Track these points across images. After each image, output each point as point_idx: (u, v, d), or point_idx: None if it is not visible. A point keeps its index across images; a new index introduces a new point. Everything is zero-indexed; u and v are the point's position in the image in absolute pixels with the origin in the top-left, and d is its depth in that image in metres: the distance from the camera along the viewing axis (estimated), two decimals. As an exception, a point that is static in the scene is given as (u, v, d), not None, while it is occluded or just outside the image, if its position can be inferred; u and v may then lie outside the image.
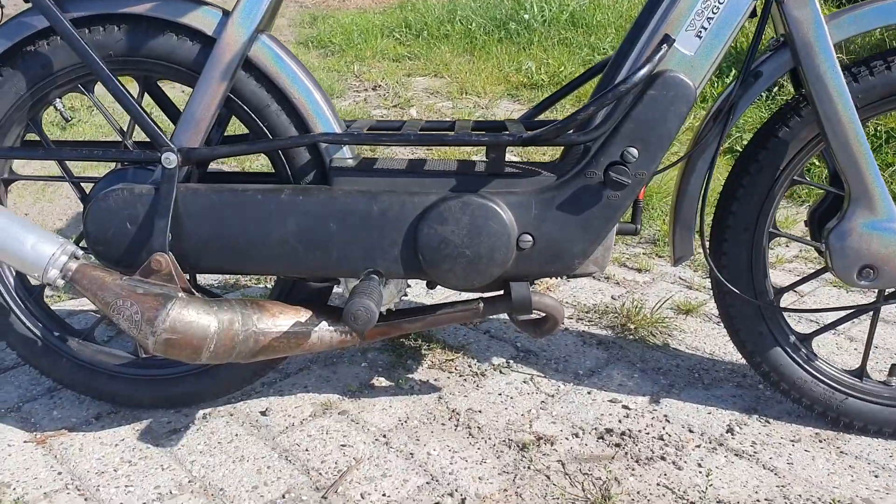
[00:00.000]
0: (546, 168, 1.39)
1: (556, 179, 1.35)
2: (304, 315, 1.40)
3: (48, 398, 1.60)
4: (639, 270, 2.22)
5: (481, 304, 1.44)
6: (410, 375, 1.68)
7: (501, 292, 1.45)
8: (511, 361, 1.74)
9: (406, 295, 1.48)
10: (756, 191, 1.45)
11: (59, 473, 1.37)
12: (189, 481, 1.36)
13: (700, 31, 1.30)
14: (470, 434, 1.48)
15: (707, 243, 1.47)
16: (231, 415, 1.55)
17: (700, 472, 1.38)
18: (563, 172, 1.35)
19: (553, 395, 1.61)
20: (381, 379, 1.67)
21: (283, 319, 1.38)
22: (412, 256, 1.35)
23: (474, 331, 1.87)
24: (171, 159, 1.34)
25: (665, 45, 1.28)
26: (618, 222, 1.43)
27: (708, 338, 1.84)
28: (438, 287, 1.62)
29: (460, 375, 1.68)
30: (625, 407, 1.57)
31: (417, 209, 1.34)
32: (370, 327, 1.25)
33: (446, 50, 5.24)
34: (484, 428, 1.50)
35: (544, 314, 1.45)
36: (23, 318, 1.51)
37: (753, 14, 1.36)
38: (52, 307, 1.67)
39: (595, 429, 1.50)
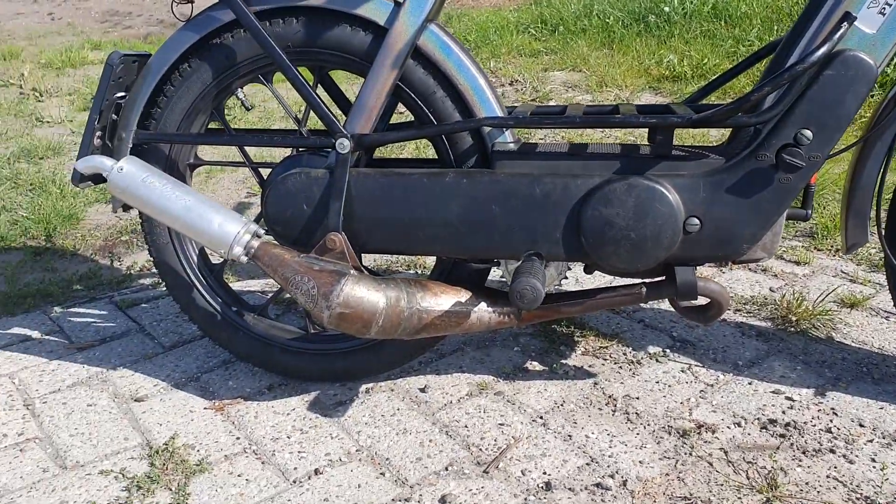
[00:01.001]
0: (714, 151, 1.37)
1: (725, 162, 1.33)
2: (464, 295, 1.44)
3: (223, 369, 1.71)
4: (797, 263, 2.14)
5: (644, 289, 1.44)
6: (564, 361, 1.69)
7: (664, 277, 1.44)
8: (667, 350, 1.72)
9: (566, 278, 1.49)
10: (939, 175, 1.38)
11: (238, 438, 1.47)
12: (357, 450, 1.42)
13: (884, 8, 1.24)
14: (628, 419, 1.48)
15: (884, 230, 1.40)
16: (392, 390, 1.61)
17: (874, 467, 1.32)
18: (732, 155, 1.33)
19: (712, 385, 1.58)
20: (535, 363, 1.69)
21: (444, 298, 1.43)
22: (574, 239, 1.37)
23: (627, 319, 1.86)
24: (344, 145, 1.41)
25: (845, 22, 1.24)
26: (788, 207, 1.40)
27: (877, 332, 1.76)
28: (595, 273, 1.63)
29: (615, 363, 1.68)
30: (788, 398, 1.53)
31: (581, 191, 1.35)
32: (536, 306, 1.27)
33: (583, 44, 5.19)
34: (642, 414, 1.50)
35: (709, 300, 1.43)
36: (205, 293, 1.62)
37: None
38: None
39: (758, 419, 1.47)
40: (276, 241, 1.44)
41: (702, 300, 1.44)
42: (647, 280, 1.47)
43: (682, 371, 1.64)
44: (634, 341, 1.76)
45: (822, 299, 1.86)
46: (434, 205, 1.40)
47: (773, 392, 1.55)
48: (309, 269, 1.38)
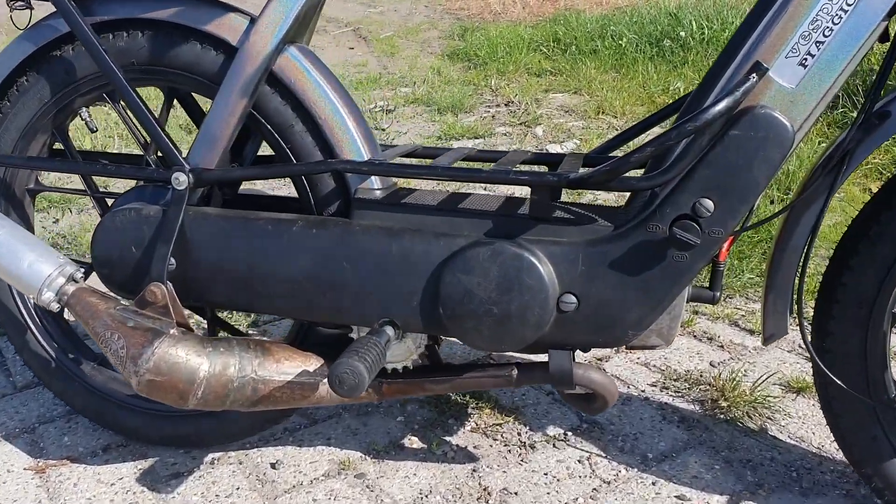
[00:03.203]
0: (607, 216, 1.15)
1: (612, 230, 1.11)
2: (313, 363, 1.23)
3: (65, 421, 1.52)
4: (751, 332, 1.90)
5: (515, 372, 1.22)
6: (448, 438, 1.47)
7: (543, 358, 1.22)
8: (570, 434, 1.49)
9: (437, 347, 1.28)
10: (877, 259, 1.14)
11: (44, 511, 1.28)
12: (171, 539, 1.22)
13: (805, 59, 1.02)
14: (497, 521, 1.26)
15: (804, 321, 1.17)
16: (240, 463, 1.40)
17: None
18: (622, 223, 1.11)
19: (609, 483, 1.36)
20: (414, 439, 1.47)
21: (288, 367, 1.22)
22: (433, 308, 1.15)
23: (535, 390, 1.64)
24: (180, 179, 1.21)
25: (755, 74, 1.01)
26: (688, 287, 1.17)
27: (819, 427, 1.52)
28: None
29: (505, 445, 1.46)
30: (694, 508, 1.30)
31: (443, 253, 1.14)
32: (359, 393, 1.06)
33: (592, 66, 4.97)
34: (515, 515, 1.28)
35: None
36: (38, 335, 1.43)
37: (884, 38, 1.07)
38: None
39: (650, 533, 1.24)
40: (94, 289, 1.25)
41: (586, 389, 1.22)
42: (522, 361, 1.25)
43: (580, 461, 1.41)
44: (535, 419, 1.53)
45: (763, 381, 1.62)
46: (278, 257, 1.20)
47: (677, 498, 1.32)
48: (121, 325, 1.18)
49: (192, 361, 1.16)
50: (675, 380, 1.67)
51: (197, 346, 1.17)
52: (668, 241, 1.07)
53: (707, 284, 1.22)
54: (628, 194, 1.19)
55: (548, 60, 5.30)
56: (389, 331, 1.17)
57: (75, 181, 2.83)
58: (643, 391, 1.63)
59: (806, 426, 1.52)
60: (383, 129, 3.91)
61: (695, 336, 1.87)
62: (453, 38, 6.47)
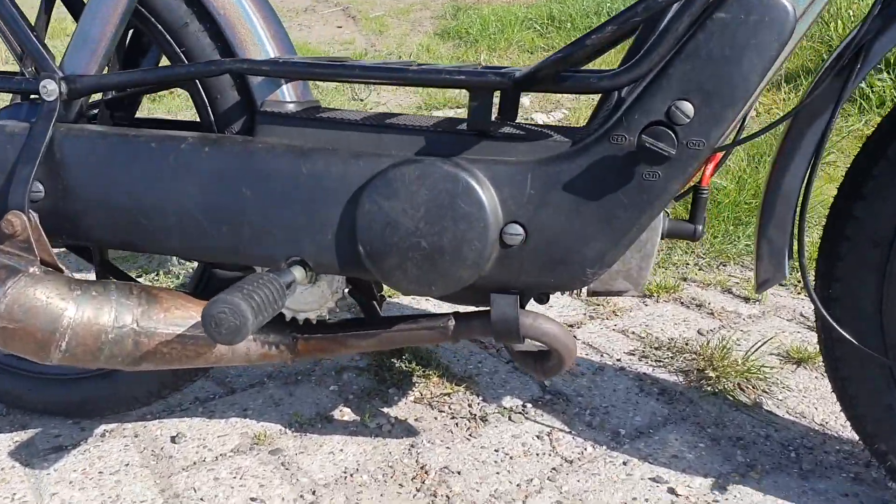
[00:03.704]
0: (566, 132, 0.93)
1: (570, 146, 0.90)
2: (212, 314, 1.01)
3: (-60, 387, 1.30)
4: (746, 300, 1.68)
5: (451, 322, 1.00)
6: (385, 410, 1.25)
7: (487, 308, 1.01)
8: (529, 406, 1.27)
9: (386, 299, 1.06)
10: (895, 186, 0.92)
11: None
12: (33, 523, 1.01)
13: (811, -83, 0.80)
14: (433, 505, 1.05)
15: (807, 263, 0.94)
16: (136, 436, 1.19)
17: None
18: (582, 137, 0.90)
19: (571, 462, 1.14)
20: (346, 410, 1.25)
21: (179, 317, 1.00)
22: (350, 244, 0.93)
23: (494, 357, 1.42)
24: (49, 88, 0.99)
25: (744, -65, 0.79)
26: (662, 218, 0.96)
27: (822, 402, 1.30)
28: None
29: (452, 417, 1.24)
30: (671, 492, 1.08)
31: (363, 176, 0.92)
32: (240, 339, 0.84)
33: (585, 43, 4.72)
34: (455, 499, 1.06)
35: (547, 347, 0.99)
36: None
37: None
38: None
39: (617, 521, 1.02)
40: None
41: (539, 346, 1.01)
42: (461, 309, 1.03)
43: (538, 437, 1.19)
44: (490, 389, 1.32)
45: (757, 348, 1.40)
46: (164, 182, 0.98)
47: (651, 480, 1.10)
48: (-31, 263, 0.96)
49: (53, 305, 0.94)
50: (656, 348, 1.45)
51: (61, 288, 0.95)
52: (637, 155, 0.85)
53: (688, 218, 1.00)
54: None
55: (541, 38, 5.09)
56: (297, 272, 0.95)
57: None
58: (619, 360, 1.41)
59: (807, 400, 1.30)
60: (361, 100, 3.69)
61: (681, 302, 1.65)
62: (445, 17, 6.25)
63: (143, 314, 0.99)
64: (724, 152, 1.00)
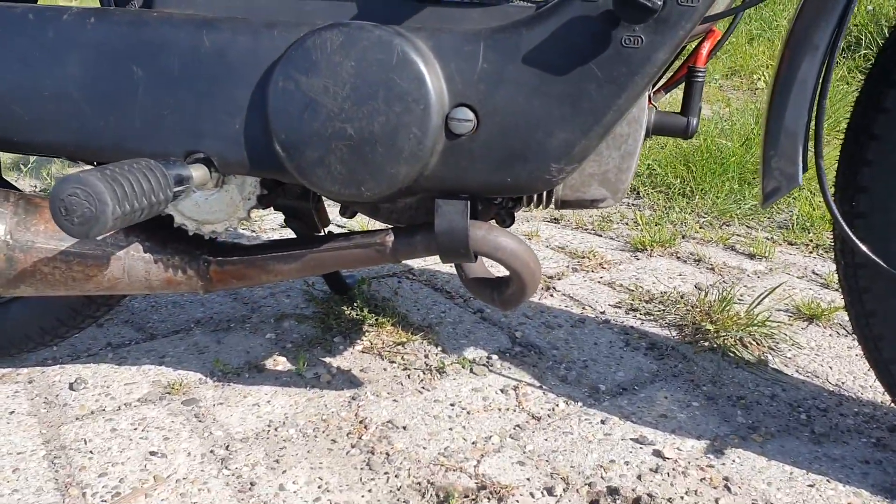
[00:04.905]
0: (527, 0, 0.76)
1: (533, 11, 0.72)
2: (104, 229, 0.84)
3: None
4: (751, 257, 1.49)
5: (390, 238, 0.82)
6: (327, 360, 1.07)
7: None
8: (494, 358, 1.09)
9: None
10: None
11: None
12: None
13: None
14: (368, 465, 0.86)
15: (822, 163, 0.76)
16: (30, 382, 1.01)
17: None
18: (548, 1, 0.72)
19: (539, 419, 0.96)
20: (282, 360, 1.07)
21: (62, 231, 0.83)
22: (262, 134, 0.76)
23: (460, 307, 1.24)
24: None
25: None
26: (646, 107, 0.78)
27: (839, 360, 1.12)
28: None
29: (405, 369, 1.06)
30: (657, 454, 0.90)
31: (277, 49, 0.74)
32: (96, 232, 0.66)
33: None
34: (395, 457, 0.88)
35: (504, 269, 0.81)
36: None
37: None
38: None
39: (590, 484, 0.84)
40: None
41: (496, 269, 0.83)
42: (401, 226, 0.85)
43: (503, 391, 1.01)
44: (451, 340, 1.14)
45: (761, 299, 1.21)
46: (42, 63, 0.80)
47: (634, 441, 0.92)
48: None
49: None
50: (646, 301, 1.27)
51: (-88, 189, 0.78)
52: (614, 15, 0.67)
53: (680, 110, 0.82)
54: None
55: None
56: (197, 170, 0.77)
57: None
58: (602, 313, 1.23)
59: (820, 359, 1.12)
60: None
61: (678, 257, 1.47)
62: None
63: (20, 224, 0.82)
64: (723, 28, 0.82)
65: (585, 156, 0.73)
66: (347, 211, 0.91)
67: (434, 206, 0.78)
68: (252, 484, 0.83)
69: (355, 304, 1.20)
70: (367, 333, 1.14)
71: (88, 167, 0.68)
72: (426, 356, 1.08)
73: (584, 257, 1.43)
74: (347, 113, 0.72)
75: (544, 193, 0.79)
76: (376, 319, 1.16)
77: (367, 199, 0.75)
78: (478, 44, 0.71)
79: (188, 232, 0.85)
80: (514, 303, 0.82)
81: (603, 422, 0.96)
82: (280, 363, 1.06)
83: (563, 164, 0.72)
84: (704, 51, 0.78)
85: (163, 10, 0.80)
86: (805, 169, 0.77)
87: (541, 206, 0.82)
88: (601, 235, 1.58)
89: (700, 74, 0.79)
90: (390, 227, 0.83)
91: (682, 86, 0.81)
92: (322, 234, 1.02)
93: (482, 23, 0.74)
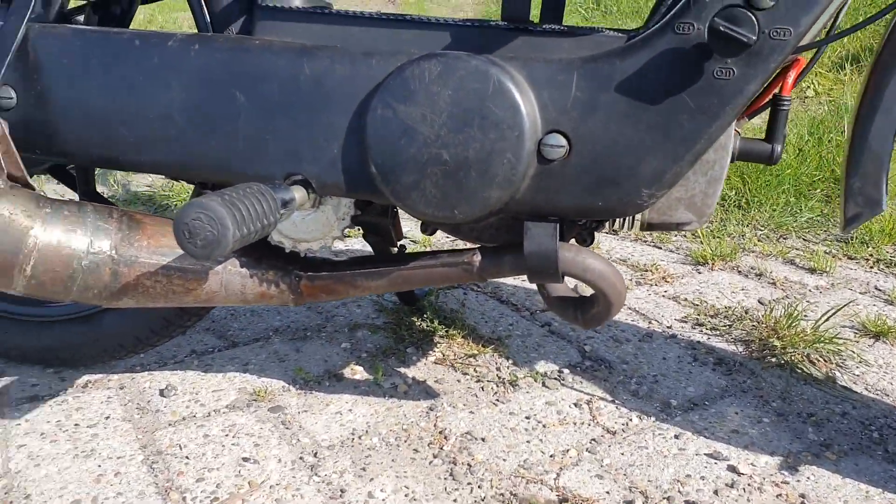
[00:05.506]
0: (619, 31, 0.78)
1: (625, 41, 0.75)
2: (203, 244, 0.88)
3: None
4: (811, 271, 1.50)
5: (477, 258, 0.85)
6: (402, 370, 1.11)
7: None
8: (566, 372, 1.12)
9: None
10: None
11: None
12: (-6, 476, 0.88)
13: None
14: (451, 475, 0.89)
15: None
16: (122, 388, 1.05)
17: None
18: (639, 32, 0.74)
19: (614, 433, 0.98)
20: (359, 369, 1.11)
21: (165, 246, 0.87)
22: (359, 159, 0.79)
23: (527, 320, 1.26)
24: (22, -21, 0.86)
25: None
26: (733, 131, 0.80)
27: (907, 378, 1.13)
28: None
29: (478, 381, 1.09)
30: (732, 469, 0.92)
31: (375, 77, 0.77)
32: (218, 253, 0.69)
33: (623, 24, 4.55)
34: (477, 468, 0.91)
35: (589, 289, 0.83)
36: None
37: None
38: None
39: (668, 499, 0.86)
40: None
41: (579, 288, 0.86)
42: (486, 246, 0.88)
43: (576, 405, 1.04)
44: (521, 353, 1.16)
45: (830, 316, 1.22)
46: (148, 87, 0.84)
47: (709, 456, 0.94)
48: (-75, 173, 0.84)
49: (18, 223, 0.81)
50: (711, 316, 1.29)
51: (28, 204, 0.82)
52: (708, 47, 0.69)
53: (764, 137, 0.84)
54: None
55: (587, 24, 4.93)
56: (298, 192, 0.80)
57: None
58: (669, 327, 1.25)
59: (889, 377, 1.13)
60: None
61: (739, 271, 1.48)
62: (487, 2, 6.12)
63: (124, 240, 0.86)
64: (809, 57, 0.84)
65: (675, 181, 0.75)
66: (429, 228, 0.95)
67: (517, 224, 0.81)
68: (342, 491, 0.86)
69: (425, 316, 1.23)
70: (438, 345, 1.17)
71: (209, 192, 0.71)
72: (498, 369, 1.11)
73: (646, 270, 1.45)
74: (444, 139, 0.75)
75: (630, 216, 0.82)
76: (446, 331, 1.19)
77: (458, 220, 0.78)
78: (571, 73, 0.74)
79: (284, 249, 0.89)
80: (597, 322, 0.85)
81: (676, 436, 0.98)
82: (357, 372, 1.10)
83: (653, 190, 0.75)
84: (790, 79, 0.80)
85: (263, 38, 0.83)
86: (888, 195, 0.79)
87: (626, 228, 0.85)
88: (661, 248, 1.60)
89: (785, 103, 0.81)
90: (477, 246, 0.86)
91: (767, 112, 0.83)
92: (396, 247, 1.06)
93: (573, 52, 0.76)
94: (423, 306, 1.26)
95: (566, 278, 0.88)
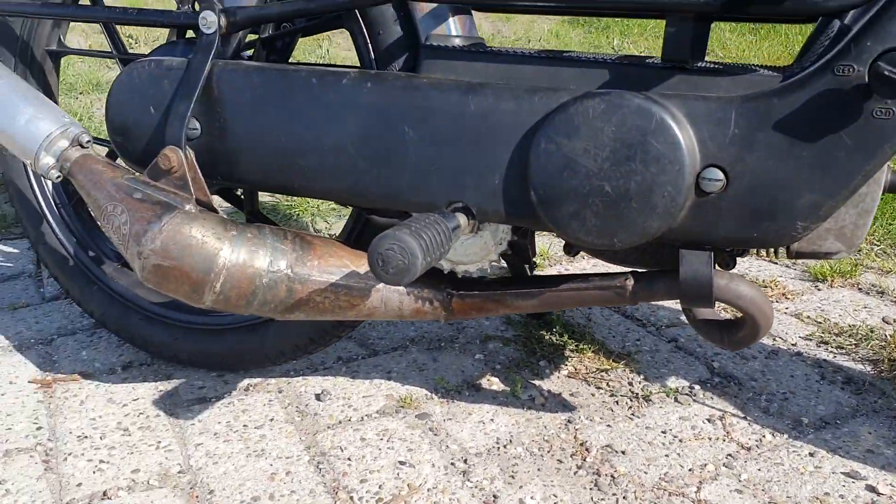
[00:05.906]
0: (771, 69, 0.82)
1: (780, 80, 0.78)
2: (366, 264, 0.95)
3: (88, 334, 1.29)
4: (934, 289, 1.50)
5: (630, 282, 0.90)
6: (537, 382, 1.16)
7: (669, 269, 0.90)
8: (697, 387, 1.16)
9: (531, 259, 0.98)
10: None
11: (39, 428, 1.05)
12: (179, 471, 0.96)
13: None
14: (596, 485, 0.95)
15: None
16: (280, 392, 1.14)
17: None
18: (796, 71, 0.78)
19: (750, 450, 1.02)
20: (495, 380, 1.17)
21: (333, 266, 0.95)
22: (521, 189, 0.85)
23: (654, 335, 1.30)
24: (208, 20, 0.95)
25: None
26: (887, 166, 0.83)
27: None
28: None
29: (612, 395, 1.13)
30: (871, 489, 0.94)
31: (538, 112, 0.83)
32: (407, 280, 0.76)
33: (727, 28, 4.51)
34: (621, 480, 0.96)
35: (738, 313, 0.87)
36: (55, 227, 1.21)
37: None
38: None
39: (809, 517, 0.90)
40: (103, 158, 1.01)
41: (728, 312, 0.89)
42: (639, 270, 0.93)
43: (709, 421, 1.08)
44: (651, 368, 1.20)
45: (960, 341, 1.23)
46: (323, 120, 0.92)
47: (846, 475, 0.97)
48: (126, 197, 0.93)
49: (209, 245, 0.90)
50: (836, 334, 1.30)
51: (217, 228, 0.91)
52: (868, 88, 0.73)
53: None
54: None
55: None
56: (461, 218, 0.87)
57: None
58: (794, 345, 1.28)
59: None
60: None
61: (859, 289, 1.49)
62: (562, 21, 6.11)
63: (298, 260, 0.94)
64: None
65: (829, 215, 0.78)
66: (573, 250, 1.00)
67: (663, 248, 0.86)
68: (495, 497, 0.92)
69: (554, 330, 1.28)
70: (569, 359, 1.22)
71: (398, 222, 0.78)
72: (630, 383, 1.16)
73: (766, 287, 1.47)
74: (606, 172, 0.80)
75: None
76: (576, 345, 1.25)
77: (617, 248, 0.83)
78: (730, 110, 0.78)
79: (443, 271, 0.96)
80: (744, 345, 0.89)
81: (811, 454, 1.01)
82: (494, 383, 1.16)
83: (808, 223, 0.78)
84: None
85: (431, 76, 0.90)
86: None
87: (773, 256, 0.88)
88: (777, 263, 1.62)
89: (940, 137, 0.83)
90: (629, 271, 0.91)
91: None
92: (530, 263, 1.11)
93: (730, 90, 0.80)
94: (551, 321, 1.31)
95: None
